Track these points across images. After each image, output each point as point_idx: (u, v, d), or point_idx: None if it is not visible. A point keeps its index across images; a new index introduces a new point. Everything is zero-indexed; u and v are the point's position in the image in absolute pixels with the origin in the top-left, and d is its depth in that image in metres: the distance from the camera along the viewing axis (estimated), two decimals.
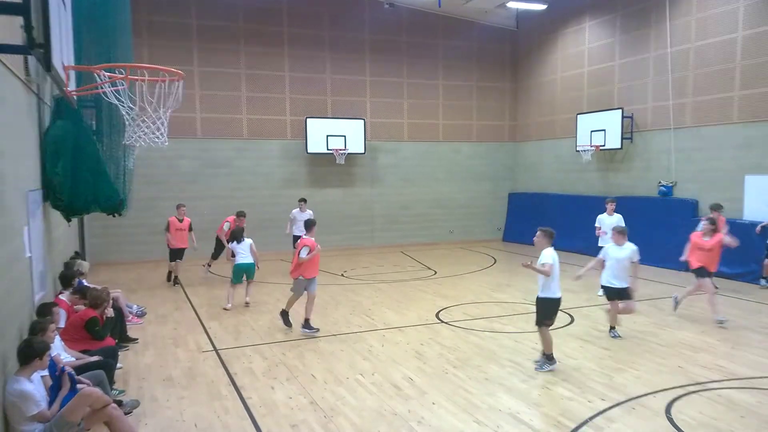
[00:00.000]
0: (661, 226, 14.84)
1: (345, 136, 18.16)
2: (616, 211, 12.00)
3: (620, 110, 16.10)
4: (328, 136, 18.03)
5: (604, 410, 6.07)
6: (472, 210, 20.70)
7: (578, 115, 17.44)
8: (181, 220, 12.82)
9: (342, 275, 14.21)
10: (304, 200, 14.63)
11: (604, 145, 16.48)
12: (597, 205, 16.94)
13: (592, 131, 16.79)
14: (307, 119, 17.94)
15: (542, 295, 7.34)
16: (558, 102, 19.07)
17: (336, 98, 18.76)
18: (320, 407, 6.25)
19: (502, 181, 21.16)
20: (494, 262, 16.17)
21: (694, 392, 6.53)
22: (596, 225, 12.09)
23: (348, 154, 18.29)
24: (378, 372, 7.36)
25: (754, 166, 13.16)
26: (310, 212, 13.77)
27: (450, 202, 20.36)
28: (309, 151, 18.06)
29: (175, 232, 12.70)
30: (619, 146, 16.13)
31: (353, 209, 19.17)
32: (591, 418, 5.87)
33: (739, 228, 13.05)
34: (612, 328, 8.80)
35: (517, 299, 11.42)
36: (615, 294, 8.58)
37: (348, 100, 18.89)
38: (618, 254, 8.46)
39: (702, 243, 9.58)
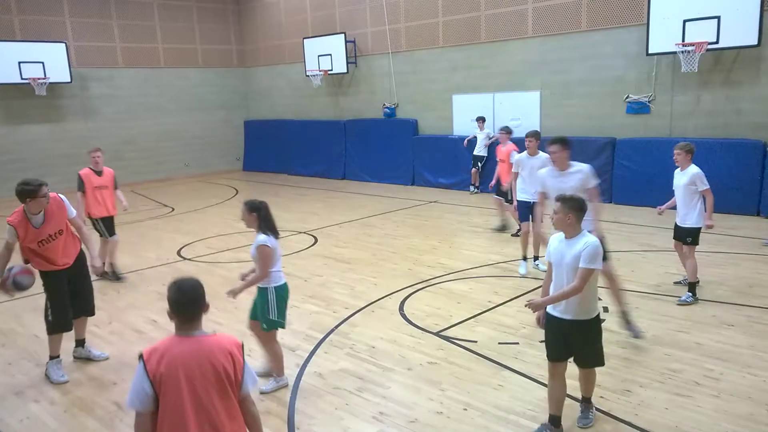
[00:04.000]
0: (387, 145, 16.10)
1: (43, 63, 15.46)
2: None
3: (343, 35, 16.60)
4: (20, 62, 15.14)
5: (348, 317, 6.49)
6: (207, 141, 19.76)
7: (305, 40, 17.53)
8: (99, 173, 8.07)
9: None
10: None
11: (331, 70, 16.94)
12: (330, 130, 17.68)
13: (319, 56, 17.08)
14: None
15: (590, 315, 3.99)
16: (285, 26, 18.85)
17: (25, 17, 15.70)
18: None
19: (235, 108, 20.50)
20: (236, 193, 15.83)
21: (421, 289, 7.36)
22: (513, 171, 7.97)
23: (50, 83, 15.69)
24: (116, 320, 6.74)
25: (458, 86, 14.88)
26: None
27: (182, 134, 19.10)
28: None
29: (92, 191, 7.98)
30: (345, 71, 16.74)
31: (65, 147, 16.72)
32: (336, 326, 6.23)
33: (450, 142, 14.85)
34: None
35: None
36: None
37: (42, 19, 15.98)
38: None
39: None
